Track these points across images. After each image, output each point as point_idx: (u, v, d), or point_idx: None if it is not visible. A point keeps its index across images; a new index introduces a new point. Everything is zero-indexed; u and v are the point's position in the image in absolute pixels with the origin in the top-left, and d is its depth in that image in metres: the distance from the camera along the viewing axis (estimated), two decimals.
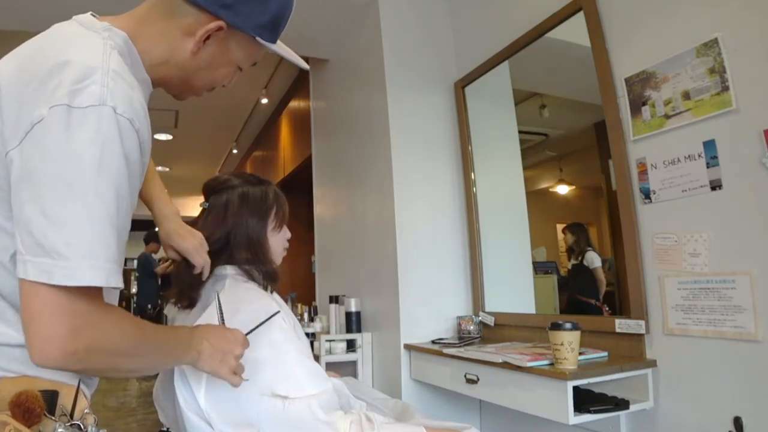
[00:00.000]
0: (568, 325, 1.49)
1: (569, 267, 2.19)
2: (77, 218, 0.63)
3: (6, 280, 0.71)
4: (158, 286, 6.25)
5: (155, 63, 0.81)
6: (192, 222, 1.22)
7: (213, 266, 1.17)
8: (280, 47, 0.90)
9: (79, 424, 0.73)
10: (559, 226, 2.34)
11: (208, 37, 0.80)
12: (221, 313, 1.02)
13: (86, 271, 0.63)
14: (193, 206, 1.37)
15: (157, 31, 0.79)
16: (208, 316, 1.11)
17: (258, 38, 0.84)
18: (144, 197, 1.17)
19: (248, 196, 1.22)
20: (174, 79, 0.85)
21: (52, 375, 0.74)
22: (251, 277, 1.18)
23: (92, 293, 0.66)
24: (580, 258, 2.12)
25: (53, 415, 0.72)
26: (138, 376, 0.87)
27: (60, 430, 0.71)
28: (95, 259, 0.64)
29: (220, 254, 1.17)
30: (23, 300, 0.64)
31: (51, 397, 0.73)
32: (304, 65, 0.97)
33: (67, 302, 0.64)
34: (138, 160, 0.71)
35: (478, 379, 1.76)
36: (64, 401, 0.75)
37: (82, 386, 0.78)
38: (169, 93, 0.90)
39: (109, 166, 0.65)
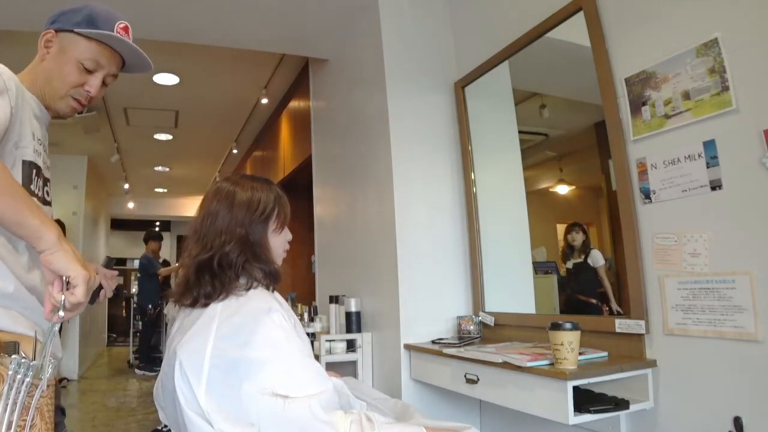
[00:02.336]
0: (568, 325, 1.49)
1: (570, 266, 2.18)
2: None
3: None
4: (159, 286, 6.26)
5: (31, 81, 1.10)
6: (194, 227, 1.22)
7: (213, 267, 1.17)
8: (112, 37, 1.13)
9: (37, 364, 0.85)
10: (560, 226, 2.34)
11: (49, 47, 1.11)
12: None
13: None
14: (194, 206, 1.36)
15: (31, 65, 1.13)
16: (207, 317, 1.11)
17: (76, 29, 1.10)
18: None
19: (250, 198, 1.22)
20: (43, 85, 1.11)
21: (13, 328, 0.92)
22: (253, 278, 1.18)
23: None
24: (584, 256, 2.11)
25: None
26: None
27: (14, 356, 0.83)
28: None
29: (222, 257, 1.17)
30: None
31: (13, 347, 0.87)
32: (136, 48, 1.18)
33: None
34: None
35: (478, 379, 1.76)
36: (26, 349, 0.88)
37: (39, 337, 0.91)
38: (50, 108, 1.14)
39: None
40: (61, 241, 0.88)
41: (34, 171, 1.06)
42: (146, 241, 6.54)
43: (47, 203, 1.12)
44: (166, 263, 6.51)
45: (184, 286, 1.17)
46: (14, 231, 0.88)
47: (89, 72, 1.13)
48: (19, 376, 0.81)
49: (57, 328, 0.89)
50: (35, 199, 1.02)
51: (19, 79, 1.06)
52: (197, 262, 1.17)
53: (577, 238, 2.16)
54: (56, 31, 1.12)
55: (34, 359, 0.85)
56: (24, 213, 0.87)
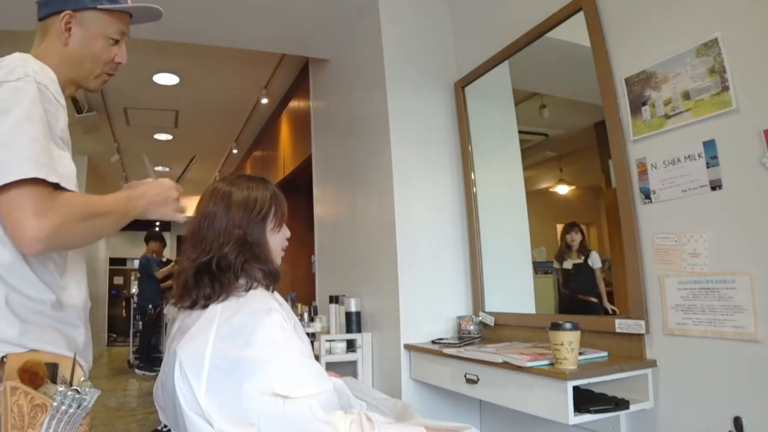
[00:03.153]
0: (568, 325, 1.49)
1: (570, 267, 2.18)
2: (16, 140, 0.85)
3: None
4: (159, 287, 6.26)
5: (54, 68, 1.02)
6: (192, 229, 1.22)
7: (212, 269, 1.16)
8: (139, 7, 1.14)
9: (77, 388, 0.85)
10: (560, 226, 2.34)
11: (69, 29, 1.06)
12: (149, 171, 1.23)
13: (29, 168, 0.84)
14: (194, 207, 1.36)
15: (44, 51, 1.07)
16: (207, 318, 1.11)
17: (99, 6, 1.08)
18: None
19: (246, 198, 1.22)
20: (72, 71, 1.09)
21: (53, 348, 0.91)
22: (253, 278, 1.18)
23: (40, 185, 0.86)
24: (583, 257, 2.11)
25: (55, 383, 0.85)
26: (105, 234, 1.04)
27: (60, 388, 0.83)
28: (33, 161, 0.85)
29: (220, 258, 1.17)
30: (2, 218, 0.85)
31: (53, 368, 0.87)
32: (156, 7, 1.17)
33: (24, 196, 0.84)
34: (56, 110, 0.96)
35: (478, 379, 1.76)
36: (64, 372, 0.90)
37: (78, 358, 0.94)
38: (82, 87, 1.13)
39: (34, 108, 0.90)
40: (135, 198, 1.06)
41: None
42: (147, 241, 6.54)
43: None
44: (164, 263, 6.50)
45: (183, 288, 1.17)
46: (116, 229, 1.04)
47: (116, 43, 1.13)
48: (63, 407, 0.81)
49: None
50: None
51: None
52: (196, 264, 1.17)
53: (576, 239, 2.16)
54: (73, 11, 1.07)
55: (72, 381, 0.87)
56: (123, 212, 1.02)
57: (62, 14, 1.06)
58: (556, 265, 2.22)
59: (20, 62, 0.93)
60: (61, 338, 0.95)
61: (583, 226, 2.19)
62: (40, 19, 1.09)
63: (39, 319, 0.92)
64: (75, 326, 1.02)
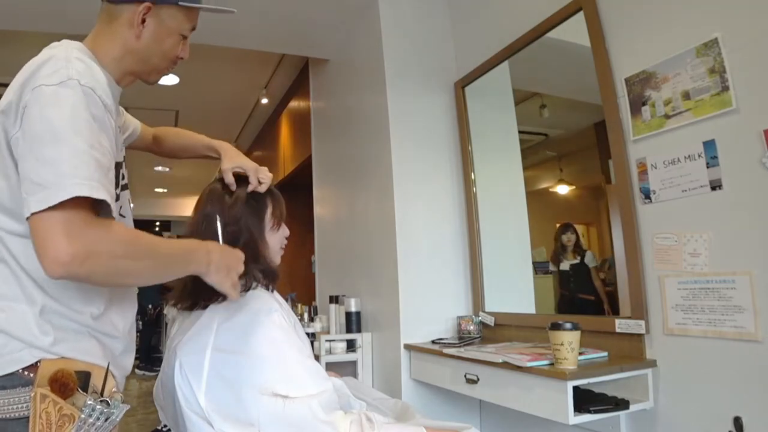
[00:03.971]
0: (568, 325, 1.49)
1: (567, 268, 2.18)
2: (61, 155, 0.78)
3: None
4: (158, 286, 6.25)
5: (116, 58, 0.99)
6: (190, 230, 1.21)
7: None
8: (206, 3, 1.08)
9: (107, 400, 0.84)
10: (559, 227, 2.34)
11: (144, 21, 0.98)
12: (220, 234, 1.10)
13: (73, 187, 0.76)
14: (192, 207, 1.36)
15: (107, 37, 0.99)
16: (207, 318, 1.11)
17: (180, 3, 1.01)
18: (193, 149, 1.49)
19: (244, 199, 1.21)
20: (136, 64, 1.02)
21: (86, 357, 0.88)
22: (252, 278, 1.17)
23: (83, 206, 0.78)
24: (579, 257, 2.12)
25: (86, 392, 0.84)
26: (147, 281, 0.93)
27: (89, 402, 0.82)
28: (78, 178, 0.77)
29: None
30: (33, 238, 0.77)
31: (85, 377, 0.86)
32: (230, 10, 1.14)
33: (62, 217, 0.76)
34: (103, 115, 0.87)
35: (478, 379, 1.76)
36: (96, 381, 0.87)
37: (111, 368, 0.90)
38: (141, 79, 1.07)
39: (79, 117, 0.82)
40: (201, 254, 0.96)
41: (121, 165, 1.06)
42: None
43: (125, 188, 1.08)
44: None
45: (183, 289, 1.17)
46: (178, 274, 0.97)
47: (184, 39, 1.07)
48: (90, 420, 0.81)
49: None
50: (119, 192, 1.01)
51: (96, 60, 0.94)
52: None
53: (572, 239, 2.17)
54: (153, 3, 0.99)
55: (103, 393, 0.86)
56: (178, 261, 0.94)
57: (141, 5, 0.97)
58: (552, 267, 2.22)
59: (63, 63, 0.85)
60: (97, 346, 0.93)
61: (577, 227, 2.20)
62: (110, 1, 0.99)
63: (75, 327, 0.90)
64: (114, 337, 0.98)
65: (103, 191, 0.79)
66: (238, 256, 1.04)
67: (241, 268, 1.03)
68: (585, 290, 2.09)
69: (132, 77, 1.06)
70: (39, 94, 0.81)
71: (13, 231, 0.87)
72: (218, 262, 0.98)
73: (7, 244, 0.87)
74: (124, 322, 1.01)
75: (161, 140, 1.44)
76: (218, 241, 1.09)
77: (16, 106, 0.83)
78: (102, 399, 0.84)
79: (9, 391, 0.82)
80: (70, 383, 0.81)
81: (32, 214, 0.76)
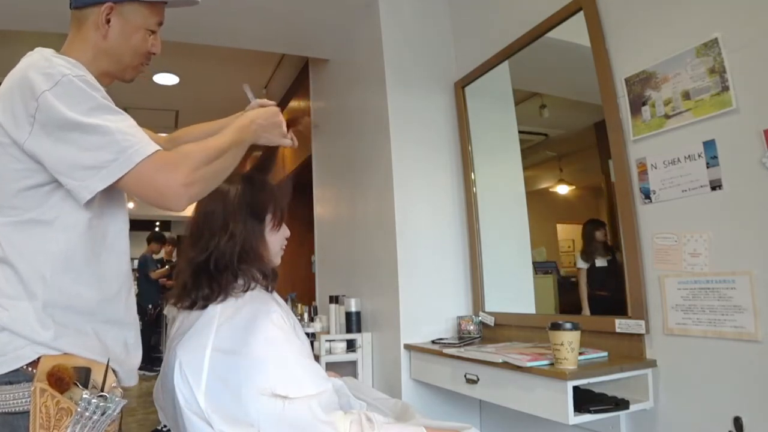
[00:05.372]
0: (568, 325, 1.49)
1: (605, 263, 2.06)
2: (104, 138, 0.88)
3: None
4: (158, 287, 6.26)
5: (90, 61, 1.02)
6: (190, 229, 1.21)
7: (210, 269, 1.16)
8: None
9: (104, 395, 0.86)
10: (560, 226, 2.34)
11: (108, 21, 1.02)
12: (250, 97, 1.22)
13: (145, 146, 0.89)
14: (194, 207, 1.35)
15: (79, 43, 1.04)
16: (207, 318, 1.11)
17: None
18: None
19: (245, 197, 1.21)
20: (109, 65, 1.06)
21: (86, 353, 0.91)
22: (251, 278, 1.17)
23: (155, 152, 0.90)
24: (611, 255, 2.01)
25: (86, 388, 0.87)
26: (229, 169, 1.04)
27: (85, 395, 0.84)
28: (142, 140, 0.90)
29: (218, 258, 1.16)
30: (140, 193, 0.90)
31: (85, 373, 0.89)
32: (193, 1, 1.17)
33: (149, 167, 0.88)
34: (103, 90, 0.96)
35: (478, 379, 1.76)
36: (96, 377, 0.90)
37: (112, 364, 0.93)
38: (117, 78, 1.11)
39: (94, 97, 0.91)
40: (246, 125, 1.07)
41: None
42: (148, 241, 6.57)
43: None
44: (161, 262, 6.50)
45: (182, 289, 1.17)
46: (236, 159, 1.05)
47: (153, 33, 1.10)
48: (87, 413, 0.83)
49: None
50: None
51: (79, 61, 0.99)
52: (194, 264, 1.16)
53: (600, 237, 2.06)
54: (114, 2, 1.02)
55: (103, 389, 0.88)
56: (240, 142, 1.03)
57: (103, 6, 1.01)
58: (581, 264, 2.13)
59: (46, 64, 0.91)
60: (97, 344, 0.94)
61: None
62: (75, 8, 1.03)
63: (78, 321, 0.93)
64: (124, 324, 1.01)
65: (153, 143, 0.91)
66: (273, 111, 1.14)
67: (281, 118, 1.15)
68: (622, 288, 1.94)
69: (109, 78, 1.09)
70: (47, 100, 0.87)
71: (7, 223, 0.91)
72: (263, 124, 1.11)
73: (8, 237, 0.90)
74: (131, 309, 1.05)
75: (180, 140, 1.44)
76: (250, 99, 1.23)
77: (23, 114, 0.88)
78: (99, 394, 0.86)
79: (15, 386, 0.86)
80: (65, 377, 0.84)
81: (122, 176, 0.86)
